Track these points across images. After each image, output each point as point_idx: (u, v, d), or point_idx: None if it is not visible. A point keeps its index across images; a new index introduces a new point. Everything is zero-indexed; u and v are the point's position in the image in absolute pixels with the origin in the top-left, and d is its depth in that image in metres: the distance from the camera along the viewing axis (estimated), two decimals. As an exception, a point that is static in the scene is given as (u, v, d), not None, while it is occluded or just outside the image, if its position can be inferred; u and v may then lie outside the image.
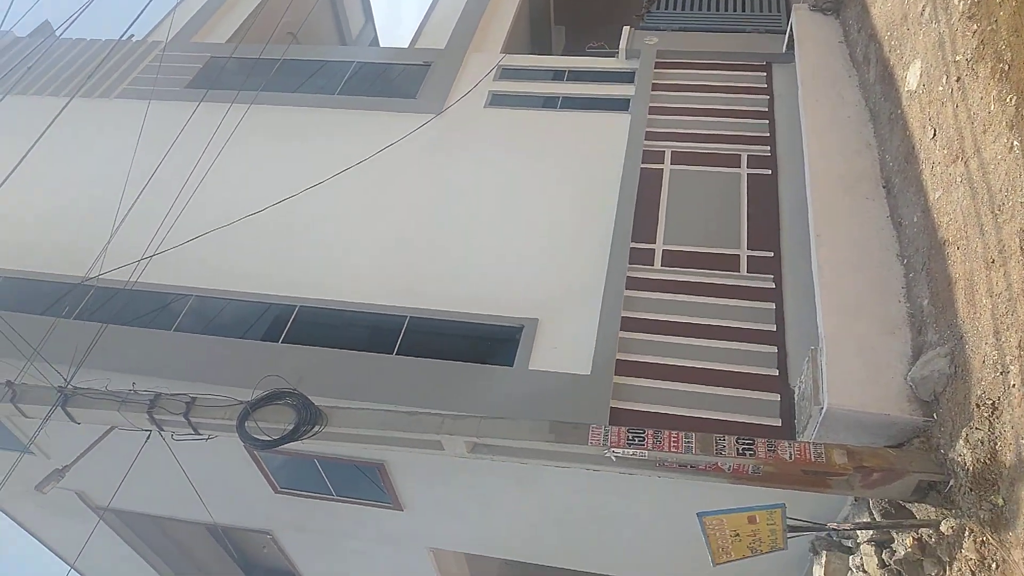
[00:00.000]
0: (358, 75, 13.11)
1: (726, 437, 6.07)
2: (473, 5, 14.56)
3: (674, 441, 6.12)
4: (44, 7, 14.95)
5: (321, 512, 10.90)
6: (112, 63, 13.59)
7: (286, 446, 6.88)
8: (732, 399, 7.88)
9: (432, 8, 15.18)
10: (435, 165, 11.10)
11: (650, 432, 6.19)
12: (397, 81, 12.97)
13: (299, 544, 12.80)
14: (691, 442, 6.11)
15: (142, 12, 9.42)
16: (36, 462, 10.23)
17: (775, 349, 8.25)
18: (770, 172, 10.28)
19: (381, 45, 22.34)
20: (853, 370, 6.55)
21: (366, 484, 9.95)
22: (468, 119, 11.81)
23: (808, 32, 10.79)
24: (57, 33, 14.33)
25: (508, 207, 10.31)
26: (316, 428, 6.83)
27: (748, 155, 10.59)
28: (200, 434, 7.31)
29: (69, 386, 7.34)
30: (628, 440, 6.16)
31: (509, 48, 13.97)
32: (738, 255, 9.30)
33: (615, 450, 6.17)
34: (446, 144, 11.42)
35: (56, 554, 14.34)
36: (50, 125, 8.94)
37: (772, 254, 9.21)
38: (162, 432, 7.48)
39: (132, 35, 13.84)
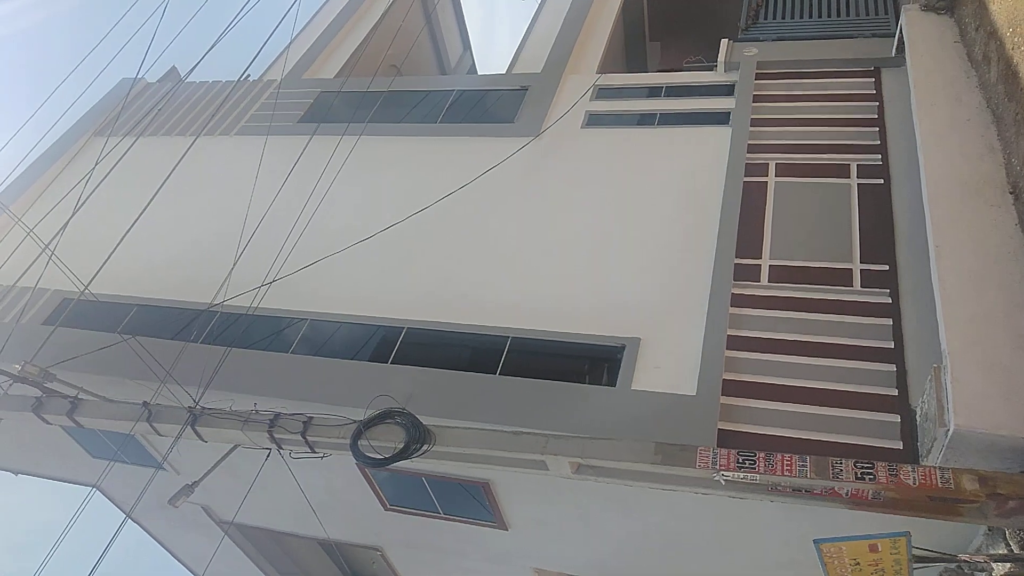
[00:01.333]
0: (458, 102, 13.48)
1: (843, 460, 5.82)
2: (568, 28, 14.71)
3: (787, 464, 5.92)
4: (171, 54, 16.20)
5: (428, 529, 11.13)
6: (231, 102, 14.54)
7: (395, 464, 7.10)
8: (848, 420, 7.53)
9: (528, 33, 15.44)
10: (535, 187, 11.24)
11: (761, 455, 6.01)
12: (496, 106, 13.24)
13: (407, 561, 13.10)
14: (805, 465, 5.89)
15: (257, 54, 10.08)
16: (167, 478, 10.96)
17: (893, 367, 7.84)
18: (882, 181, 9.83)
19: (479, 72, 22.89)
20: (982, 389, 6.14)
21: (472, 503, 10.09)
22: (566, 140, 11.91)
23: (920, 33, 10.29)
24: (183, 77, 15.48)
25: (608, 226, 10.29)
26: (425, 447, 7.02)
27: (858, 164, 10.17)
28: (316, 452, 7.64)
29: (198, 406, 7.85)
30: (738, 463, 6.00)
31: (605, 67, 14.02)
32: (850, 269, 8.92)
33: (725, 473, 6.03)
34: (545, 165, 11.55)
35: (185, 565, 15.26)
36: (178, 163, 9.70)
37: (887, 267, 8.78)
38: (281, 450, 7.87)
39: (249, 75, 14.75)
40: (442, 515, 10.57)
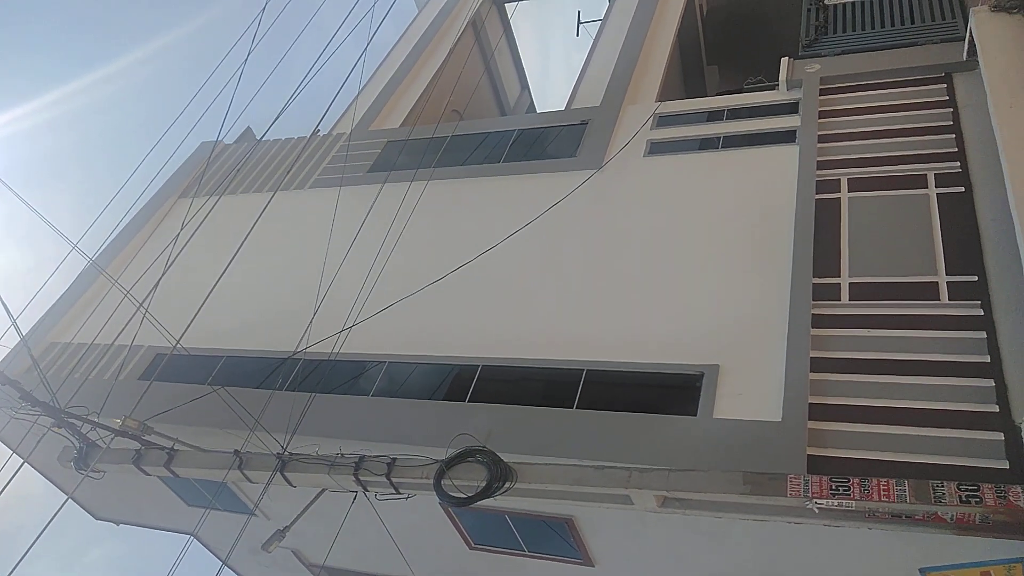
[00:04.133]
0: (520, 141, 13.70)
1: (945, 483, 5.56)
2: (624, 59, 14.82)
3: (884, 489, 5.69)
4: (247, 116, 17.03)
5: (514, 568, 11.05)
6: (304, 157, 15.16)
7: (479, 503, 7.12)
8: (947, 440, 7.18)
9: (585, 67, 15.63)
10: (601, 218, 11.27)
11: (856, 480, 5.80)
12: (557, 142, 13.39)
13: (494, 600, 13.01)
14: (904, 489, 5.65)
15: (327, 111, 10.53)
16: (259, 523, 11.26)
17: (991, 382, 7.45)
18: (963, 189, 9.46)
19: (537, 109, 23.22)
20: (1094, 402, 5.78)
21: (556, 540, 9.99)
22: (629, 171, 11.93)
23: (991, 35, 9.96)
24: (258, 137, 16.24)
25: (679, 252, 10.22)
26: (507, 484, 7.03)
27: (936, 174, 9.83)
28: (401, 493, 7.75)
29: (286, 452, 8.09)
30: (832, 490, 5.80)
31: (664, 96, 14.03)
32: (936, 282, 8.58)
33: (818, 501, 5.83)
34: (610, 197, 11.58)
35: (277, 609, 15.53)
36: (257, 220, 10.15)
37: (976, 278, 8.41)
38: (367, 492, 8.01)
39: (319, 130, 15.39)
40: (527, 553, 10.50)
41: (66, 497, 8.73)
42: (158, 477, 9.92)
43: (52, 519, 7.94)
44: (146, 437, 8.97)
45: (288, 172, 14.69)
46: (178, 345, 9.45)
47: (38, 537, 7.80)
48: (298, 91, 10.56)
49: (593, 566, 10.21)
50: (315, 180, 14.65)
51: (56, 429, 8.65)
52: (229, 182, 15.20)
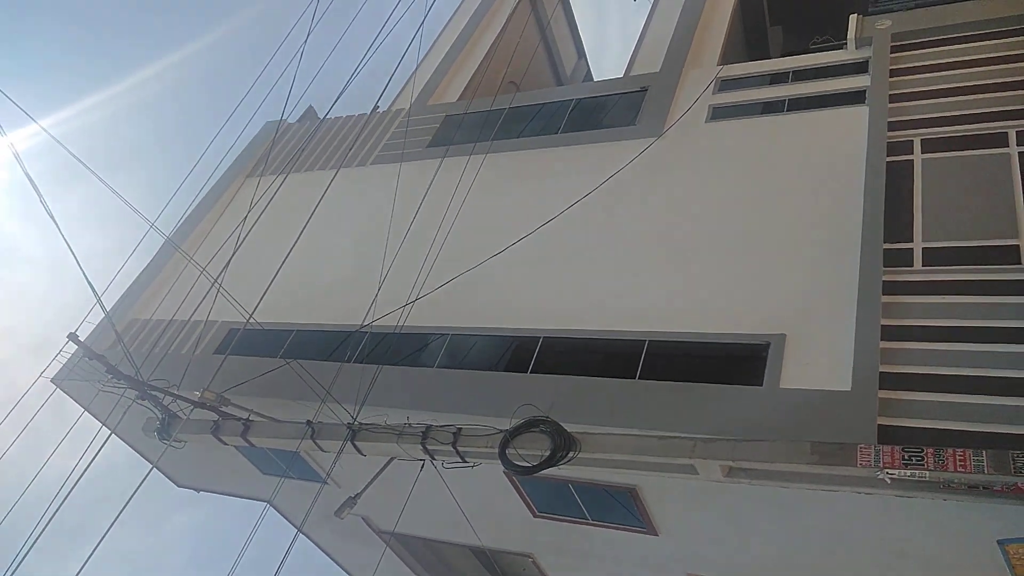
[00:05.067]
0: (578, 111, 13.58)
1: (1025, 453, 5.37)
2: (684, 22, 14.48)
3: (960, 459, 5.54)
4: (308, 95, 17.34)
5: (578, 536, 11.19)
6: (365, 134, 15.38)
7: (543, 472, 7.22)
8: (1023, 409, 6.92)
9: (644, 33, 15.33)
10: (663, 187, 11.13)
11: (930, 451, 5.66)
12: (616, 111, 13.22)
13: (558, 566, 13.19)
14: (981, 460, 5.48)
15: (386, 87, 10.63)
16: (330, 491, 11.66)
17: (1076, 349, 7.14)
18: (1049, 147, 8.99)
19: (595, 79, 22.89)
20: None
21: (620, 509, 10.06)
22: (690, 137, 11.71)
23: (1082, -19, 9.36)
24: (321, 116, 16.53)
25: (742, 220, 10.02)
26: (571, 454, 7.10)
27: (1018, 131, 9.35)
28: (467, 462, 7.90)
29: (356, 423, 8.34)
30: (904, 460, 5.68)
31: (726, 59, 13.67)
32: (1017, 245, 8.22)
33: (890, 471, 5.71)
34: (671, 164, 11.41)
35: (350, 574, 16.13)
36: (322, 197, 10.39)
37: (1061, 240, 8.02)
38: (434, 461, 8.20)
39: (379, 107, 15.56)
40: (591, 521, 10.61)
41: (151, 466, 9.22)
42: (235, 447, 10.37)
43: (139, 487, 8.41)
44: (223, 408, 9.37)
45: (350, 149, 14.93)
46: (251, 320, 9.79)
47: (126, 504, 8.28)
48: (358, 69, 10.70)
49: (657, 535, 10.25)
50: (377, 156, 14.85)
51: (140, 401, 9.12)
52: (294, 161, 15.54)
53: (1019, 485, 5.54)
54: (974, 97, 10.10)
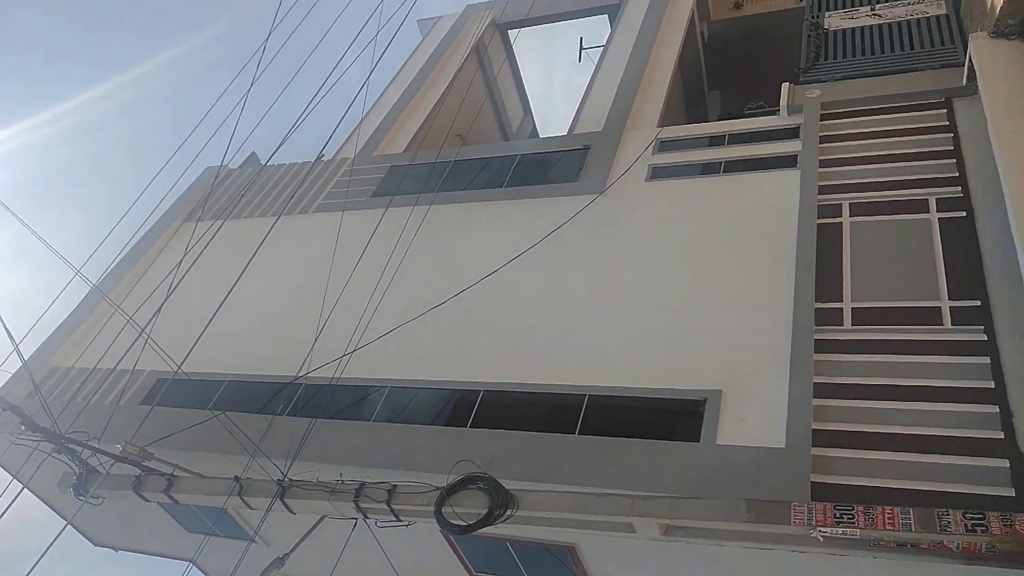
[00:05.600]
0: (522, 166, 13.77)
1: (950, 511, 5.50)
2: (626, 84, 14.94)
3: (889, 517, 5.62)
4: (252, 141, 17.18)
5: (516, 596, 10.93)
6: (308, 182, 15.26)
7: (480, 530, 7.06)
8: (951, 467, 7.11)
9: (587, 93, 15.74)
10: (603, 243, 11.29)
11: (860, 508, 5.74)
12: (559, 167, 13.46)
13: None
14: (909, 518, 5.58)
15: (331, 136, 10.62)
16: (259, 550, 11.18)
17: (996, 408, 7.40)
18: (965, 214, 9.47)
19: (540, 134, 23.36)
20: (1100, 429, 5.73)
21: (559, 567, 9.88)
22: (631, 195, 11.97)
23: (990, 60, 10.01)
24: (263, 162, 16.36)
25: (680, 277, 10.21)
26: (508, 512, 6.97)
27: (937, 198, 9.84)
28: (401, 520, 7.69)
29: (286, 479, 8.05)
30: (836, 518, 5.74)
31: (665, 120, 14.12)
32: (939, 307, 8.56)
33: (822, 529, 5.76)
34: (612, 221, 11.61)
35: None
36: (261, 244, 10.20)
37: (979, 303, 8.38)
38: (367, 519, 7.95)
39: (323, 155, 15.51)
40: (529, 581, 10.39)
41: (65, 523, 8.68)
42: (158, 503, 9.88)
43: (51, 545, 7.89)
44: (146, 463, 8.94)
45: (292, 197, 14.78)
46: (179, 370, 9.44)
47: (37, 562, 7.75)
48: (303, 117, 10.65)
49: (596, 594, 10.08)
50: (319, 205, 14.72)
51: (56, 455, 8.63)
52: (233, 206, 15.29)
53: (945, 543, 5.65)
54: (897, 165, 10.61)
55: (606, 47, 17.13)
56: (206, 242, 11.01)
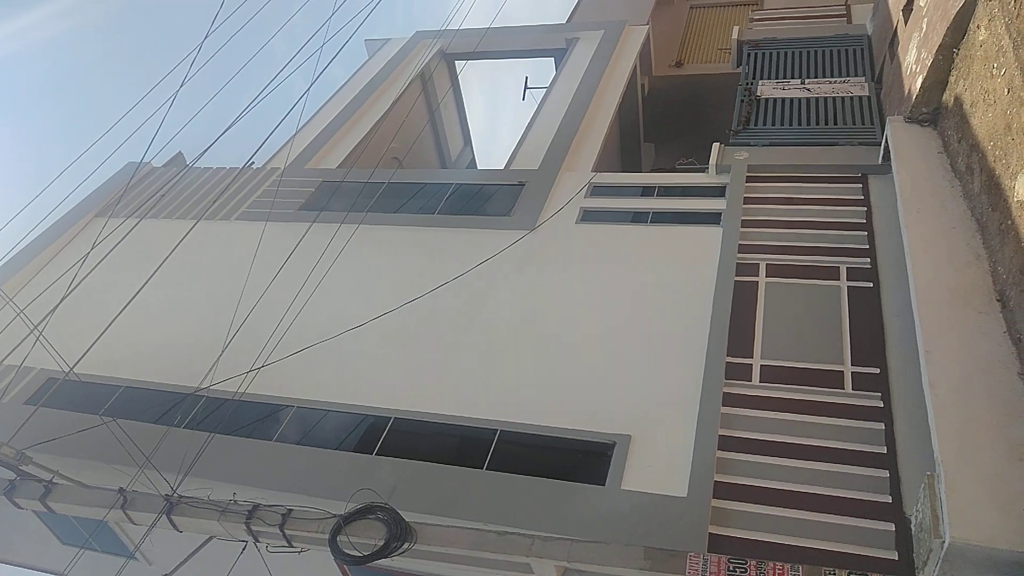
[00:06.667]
0: (457, 195, 13.77)
1: (836, 571, 5.65)
2: (565, 127, 15.20)
3: (779, 573, 5.74)
4: (179, 140, 16.62)
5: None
6: (234, 188, 14.83)
7: (375, 562, 6.85)
8: (841, 527, 7.33)
9: (527, 131, 15.94)
10: (529, 280, 11.34)
11: (752, 563, 5.84)
12: (493, 200, 13.52)
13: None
14: (798, 574, 5.70)
15: (263, 143, 10.36)
16: (139, 569, 10.54)
17: (887, 473, 7.70)
18: (872, 285, 9.94)
19: (479, 167, 23.49)
20: (978, 500, 6.01)
21: (454, 605, 9.67)
22: (560, 235, 12.10)
23: (905, 143, 10.65)
24: (189, 163, 15.83)
25: (600, 320, 10.33)
26: (405, 545, 6.81)
27: (847, 267, 10.31)
28: (293, 546, 7.40)
29: (175, 495, 7.64)
30: (728, 571, 5.82)
31: (600, 166, 14.40)
32: (841, 371, 8.90)
33: (714, 581, 5.83)
34: (539, 259, 11.69)
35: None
36: (176, 246, 9.79)
37: (878, 370, 8.77)
38: (258, 543, 7.61)
39: (253, 163, 15.11)
40: (422, 616, 10.11)
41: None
42: (32, 511, 9.23)
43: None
44: (23, 467, 8.34)
45: (216, 202, 14.32)
46: (71, 371, 8.90)
47: None
48: (237, 120, 10.36)
49: (489, 634, 9.89)
50: (243, 212, 14.32)
51: (-79, 453, 7.97)
52: (152, 205, 14.70)
53: (830, 602, 5.79)
54: (813, 232, 11.09)
55: (549, 88, 17.45)
56: (117, 239, 10.49)
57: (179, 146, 17.11)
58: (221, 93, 12.25)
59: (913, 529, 6.92)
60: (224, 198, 14.53)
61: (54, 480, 8.35)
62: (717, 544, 7.31)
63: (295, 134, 16.05)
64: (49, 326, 9.28)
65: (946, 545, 5.83)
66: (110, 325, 8.83)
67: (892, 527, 7.22)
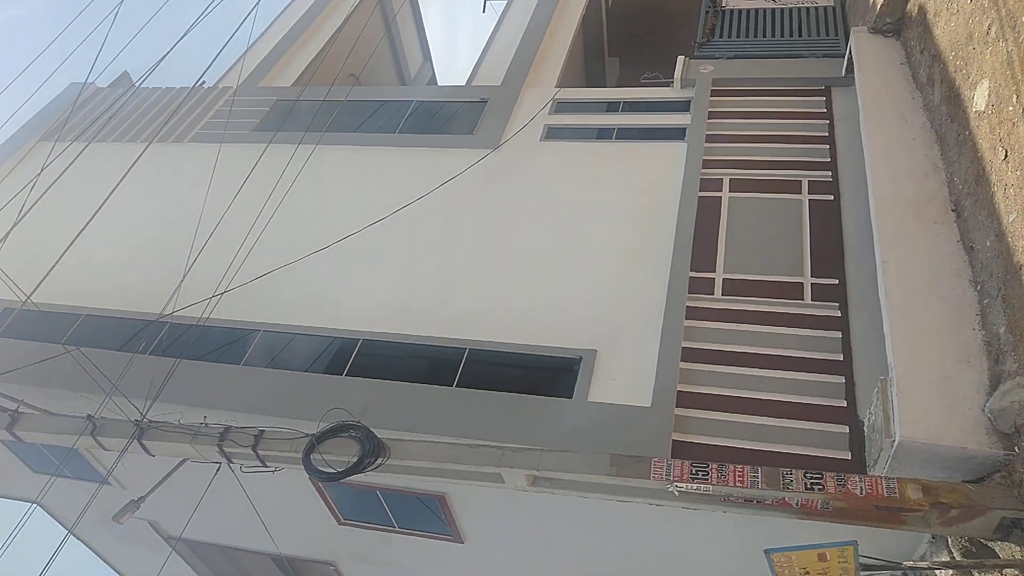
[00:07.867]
0: (417, 113, 13.46)
1: (793, 471, 5.92)
2: (528, 42, 14.81)
3: (739, 475, 6.00)
4: (124, 59, 15.85)
5: (384, 544, 10.99)
6: (185, 109, 14.29)
7: (349, 478, 6.99)
8: (799, 431, 7.67)
9: (488, 46, 15.51)
10: (493, 199, 11.26)
11: (714, 466, 6.09)
12: (455, 118, 13.25)
13: (361, 574, 12.90)
14: (757, 476, 5.97)
15: (213, 61, 9.93)
16: (113, 493, 10.62)
17: (842, 379, 8.02)
18: (832, 198, 10.08)
19: (439, 84, 22.88)
20: (926, 401, 6.31)
21: (427, 516, 9.99)
22: (524, 153, 11.97)
23: (868, 55, 10.61)
24: (135, 83, 15.16)
25: (565, 238, 10.35)
26: (379, 460, 6.94)
27: (809, 181, 10.41)
28: (267, 466, 7.50)
29: (145, 420, 7.64)
30: (691, 474, 6.06)
31: (564, 82, 14.13)
32: (801, 283, 9.11)
33: (678, 484, 6.08)
34: (503, 178, 11.58)
35: (131, 583, 14.79)
36: (128, 170, 9.47)
37: (837, 281, 9.00)
38: (231, 464, 7.70)
39: (204, 82, 14.52)
40: (397, 529, 10.45)
41: None
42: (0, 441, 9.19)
43: None
44: (-14, 397, 8.25)
45: (167, 124, 13.80)
46: (28, 300, 8.70)
47: None
48: (183, 37, 9.88)
49: (462, 542, 10.28)
50: (196, 135, 13.85)
51: None
52: (100, 128, 14.12)
53: (786, 499, 6.10)
54: (776, 146, 11.12)
55: (510, 1, 16.89)
56: (66, 163, 10.09)
57: (124, 65, 16.35)
58: (167, 7, 11.66)
59: (866, 431, 7.28)
60: (176, 120, 14.00)
61: (19, 409, 8.27)
62: (680, 450, 7.61)
63: (246, 51, 15.39)
64: (1, 255, 9.01)
65: (896, 444, 6.15)
66: (65, 252, 8.59)
67: (846, 429, 7.56)
